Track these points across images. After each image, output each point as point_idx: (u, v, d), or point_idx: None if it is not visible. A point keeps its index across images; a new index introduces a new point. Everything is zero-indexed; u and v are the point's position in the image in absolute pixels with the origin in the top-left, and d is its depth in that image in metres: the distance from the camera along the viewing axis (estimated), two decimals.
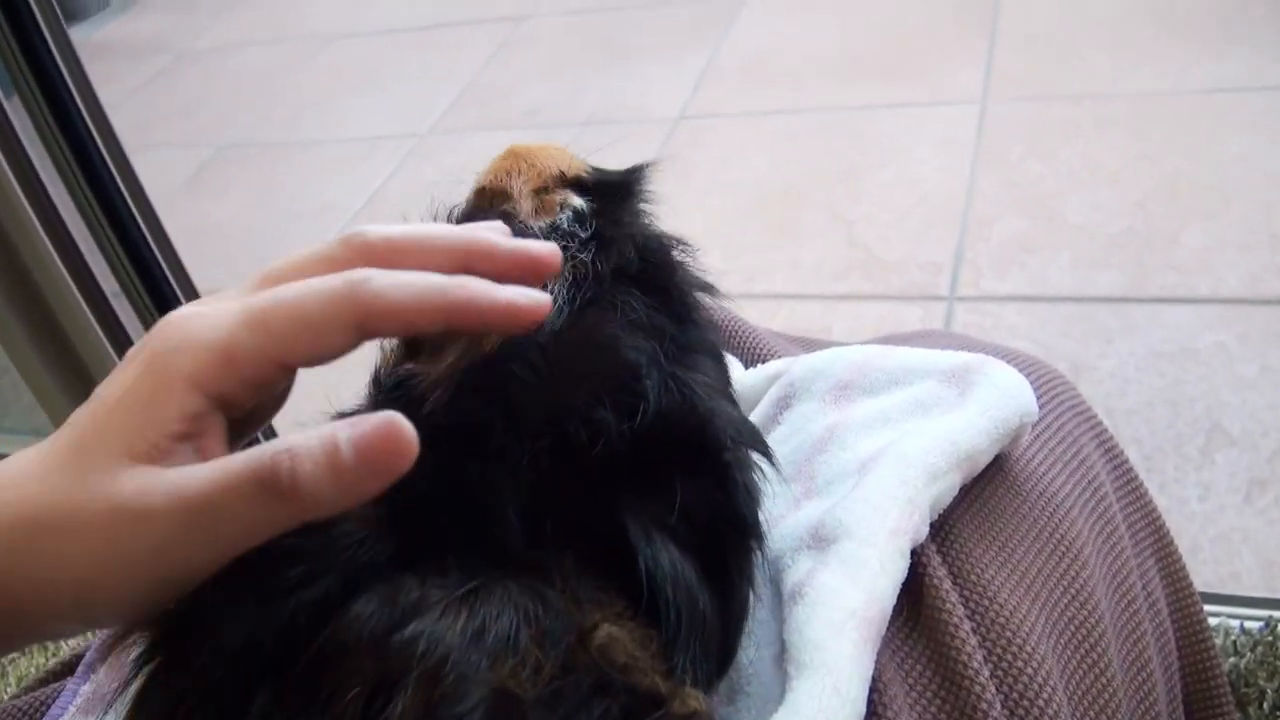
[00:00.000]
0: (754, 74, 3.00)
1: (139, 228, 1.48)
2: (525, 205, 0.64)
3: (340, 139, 3.21)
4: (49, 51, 1.37)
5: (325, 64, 3.74)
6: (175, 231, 1.52)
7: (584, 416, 0.47)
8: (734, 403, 0.61)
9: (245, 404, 0.44)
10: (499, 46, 3.50)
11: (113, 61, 4.11)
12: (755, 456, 0.54)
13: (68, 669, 0.70)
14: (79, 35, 4.34)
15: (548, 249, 0.46)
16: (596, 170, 0.68)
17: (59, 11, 1.39)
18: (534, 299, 0.44)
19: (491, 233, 0.47)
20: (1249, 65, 2.45)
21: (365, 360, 0.58)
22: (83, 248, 1.46)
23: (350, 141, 3.17)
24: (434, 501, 0.45)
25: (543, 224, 0.62)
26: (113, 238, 1.48)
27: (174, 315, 0.43)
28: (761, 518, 0.53)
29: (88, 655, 0.69)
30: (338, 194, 2.90)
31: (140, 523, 0.40)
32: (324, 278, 0.43)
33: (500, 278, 0.45)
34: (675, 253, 0.64)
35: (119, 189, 1.45)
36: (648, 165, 0.70)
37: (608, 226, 0.61)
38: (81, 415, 0.43)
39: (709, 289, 0.65)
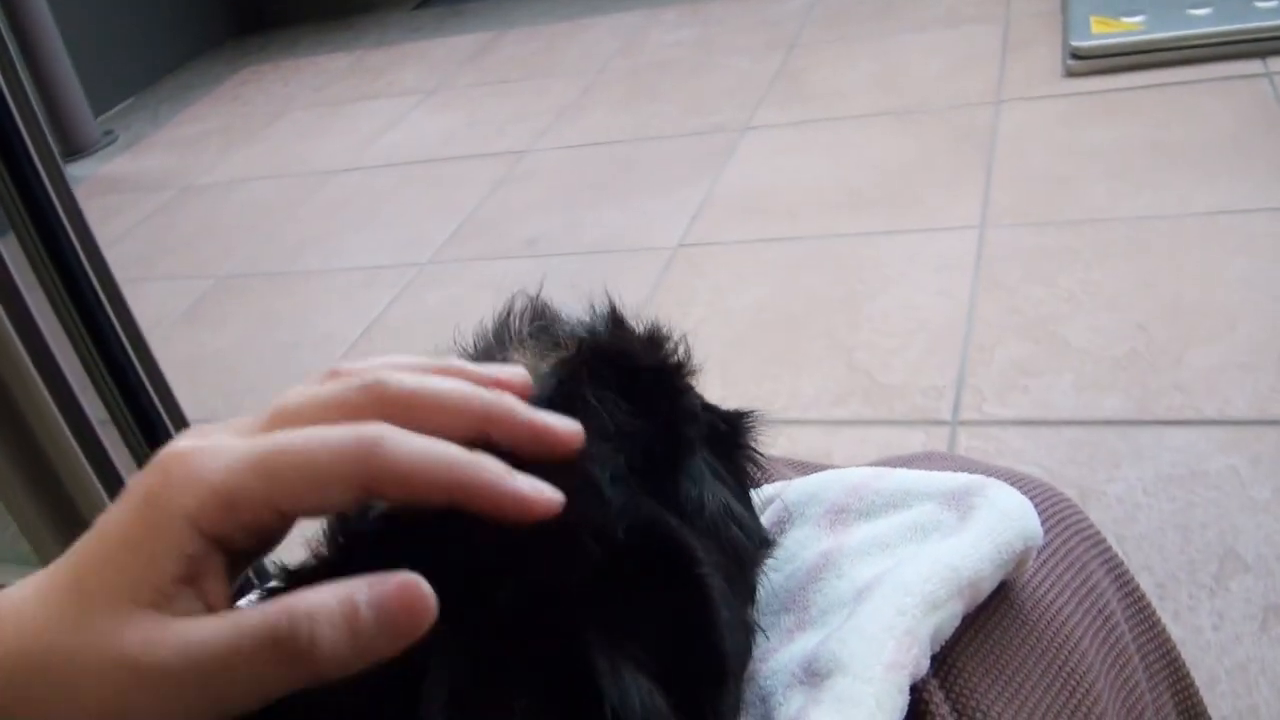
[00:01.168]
0: (752, 205, 3.02)
1: (129, 357, 1.48)
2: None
3: (340, 269, 3.23)
4: (43, 186, 1.37)
5: (326, 198, 3.78)
6: (173, 360, 1.51)
7: (547, 549, 0.45)
8: (736, 518, 0.57)
9: (243, 546, 0.42)
10: (499, 180, 3.54)
11: (118, 195, 4.16)
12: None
13: None
14: (85, 170, 4.41)
15: (567, 426, 0.45)
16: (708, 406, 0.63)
17: (55, 149, 1.39)
18: (545, 497, 0.42)
19: (511, 397, 0.45)
20: (1249, 187, 2.47)
21: None
22: (70, 377, 1.45)
23: (350, 271, 3.19)
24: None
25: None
26: (102, 367, 1.48)
27: (178, 448, 0.41)
28: (734, 649, 0.50)
29: None
30: (337, 323, 2.90)
31: (146, 678, 0.38)
32: (337, 430, 0.41)
33: (515, 448, 0.44)
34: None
35: (109, 320, 1.45)
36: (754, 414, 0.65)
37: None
38: (82, 548, 0.41)
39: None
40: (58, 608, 0.40)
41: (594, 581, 0.45)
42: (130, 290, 1.45)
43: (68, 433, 1.46)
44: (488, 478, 0.42)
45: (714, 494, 0.54)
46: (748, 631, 0.53)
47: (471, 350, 0.59)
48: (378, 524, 0.47)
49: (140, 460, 1.53)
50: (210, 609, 0.41)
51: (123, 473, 1.51)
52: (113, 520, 0.41)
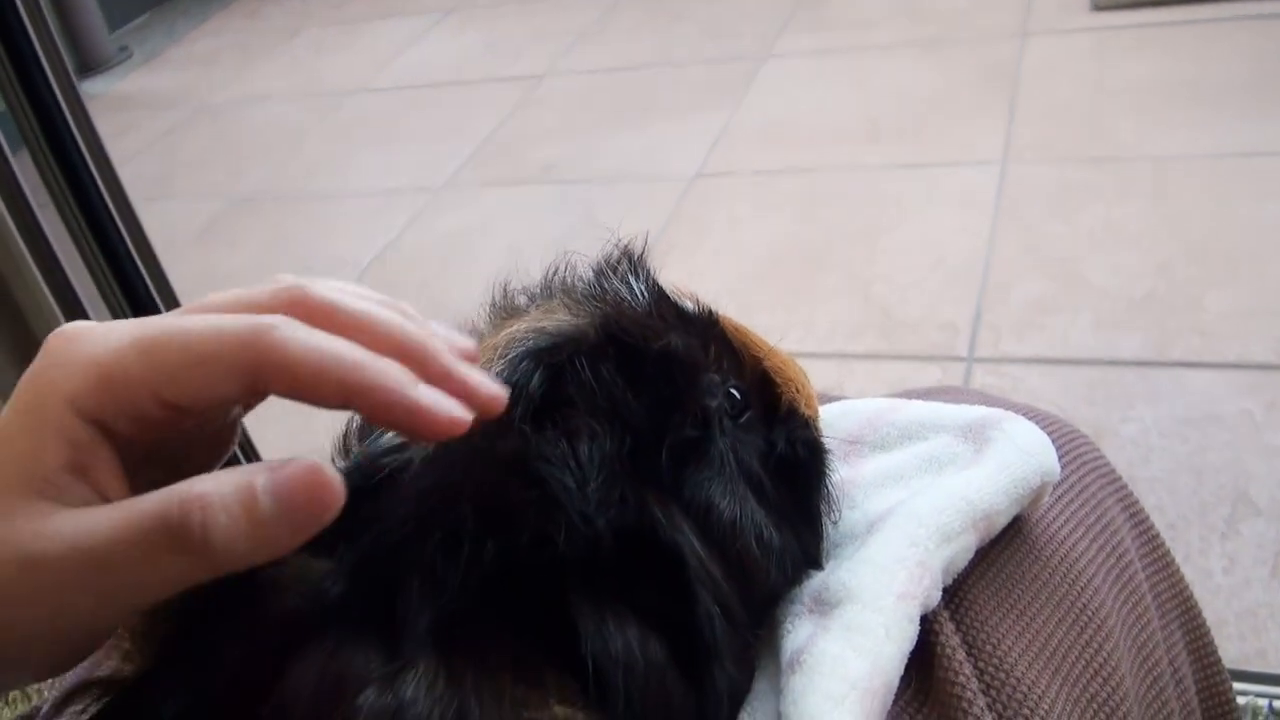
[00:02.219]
0: (771, 135, 2.98)
1: (141, 275, 1.47)
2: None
3: (353, 193, 3.21)
4: (57, 104, 1.36)
5: (341, 119, 3.75)
6: (185, 281, 1.51)
7: (516, 523, 0.43)
8: (756, 529, 0.53)
9: (129, 435, 0.39)
10: (516, 104, 3.51)
11: (132, 113, 4.13)
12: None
13: None
14: (100, 86, 4.38)
15: (491, 388, 0.40)
16: (809, 426, 0.59)
17: (68, 64, 1.38)
18: (451, 414, 0.38)
19: (440, 342, 0.41)
20: (1275, 131, 2.42)
21: None
22: (82, 295, 1.45)
23: (363, 195, 3.17)
24: (380, 563, 0.41)
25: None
26: (115, 285, 1.47)
27: (64, 330, 0.39)
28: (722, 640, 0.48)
29: (44, 709, 0.65)
30: (349, 247, 2.89)
31: (34, 568, 0.36)
32: (231, 316, 0.38)
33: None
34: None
35: (122, 238, 1.44)
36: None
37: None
38: None
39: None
40: None
41: (577, 559, 0.43)
42: (144, 209, 1.44)
43: None
44: (388, 383, 0.38)
45: (728, 495, 0.51)
46: (746, 657, 0.51)
47: (505, 309, 0.56)
48: (357, 478, 0.45)
49: None
50: (105, 502, 0.38)
51: None
52: (6, 408, 0.39)
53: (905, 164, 2.68)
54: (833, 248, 2.41)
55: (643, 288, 0.54)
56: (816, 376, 0.58)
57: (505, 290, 0.56)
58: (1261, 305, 1.94)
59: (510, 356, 0.47)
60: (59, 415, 0.38)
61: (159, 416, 0.39)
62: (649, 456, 0.48)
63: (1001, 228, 2.31)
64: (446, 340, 0.42)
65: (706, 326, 0.55)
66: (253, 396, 0.39)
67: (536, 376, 0.47)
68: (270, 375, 0.38)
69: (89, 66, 4.58)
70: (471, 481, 0.44)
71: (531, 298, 0.55)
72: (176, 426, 0.40)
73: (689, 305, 0.56)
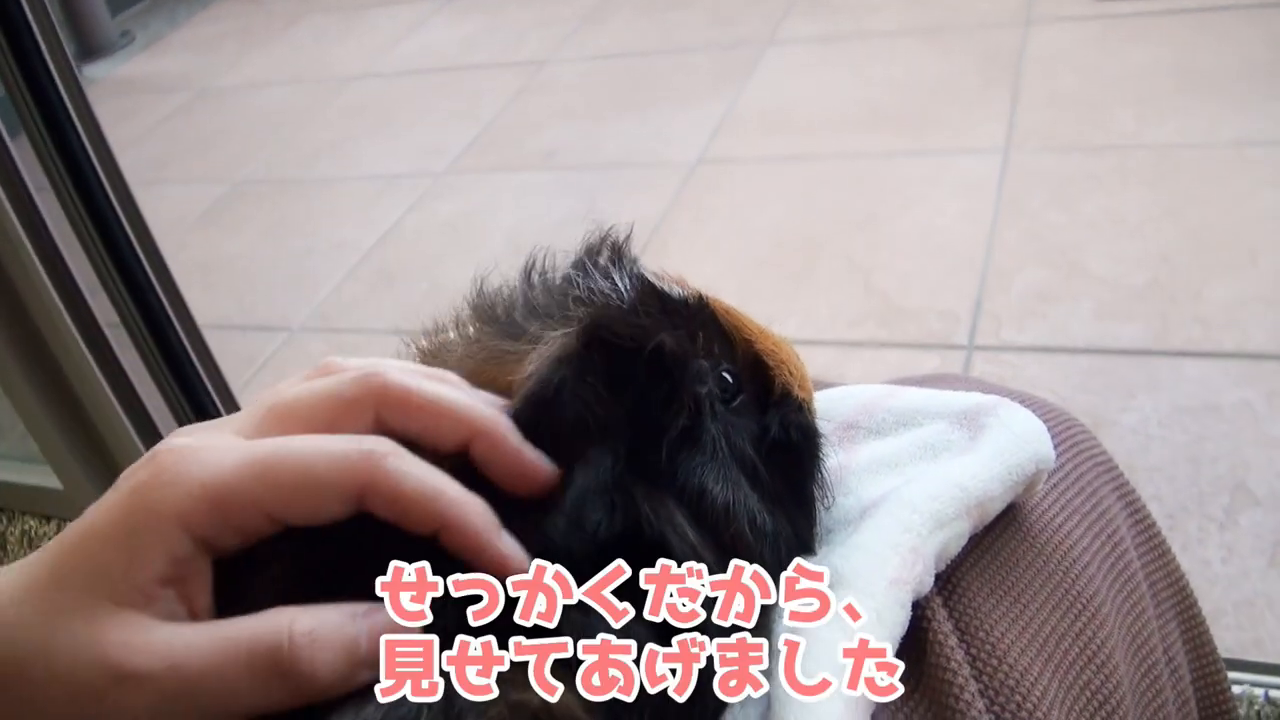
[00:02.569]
0: (773, 122, 2.98)
1: (139, 260, 1.47)
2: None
3: (356, 177, 3.20)
4: (56, 89, 1.36)
5: (344, 104, 3.74)
6: (187, 265, 1.51)
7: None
8: (749, 513, 0.52)
9: (230, 548, 0.41)
10: (517, 90, 3.50)
11: (134, 97, 4.13)
12: None
13: None
14: (101, 71, 4.38)
15: (545, 469, 0.44)
16: (805, 410, 0.58)
17: (70, 49, 1.38)
18: (519, 562, 0.41)
19: (506, 420, 0.44)
20: (1277, 120, 2.42)
21: None
22: (80, 279, 1.45)
23: (366, 180, 3.16)
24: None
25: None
26: (112, 269, 1.47)
27: (173, 444, 0.41)
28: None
29: None
30: (351, 232, 2.88)
31: (125, 682, 0.37)
32: (339, 440, 0.41)
33: (492, 472, 0.44)
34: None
35: (120, 222, 1.44)
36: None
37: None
38: (65, 539, 0.40)
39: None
40: (32, 604, 0.39)
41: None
42: (145, 193, 1.44)
43: (76, 335, 1.46)
44: (476, 524, 0.41)
45: (721, 480, 0.50)
46: None
47: (484, 310, 0.56)
48: None
49: (149, 365, 1.53)
50: (192, 614, 0.40)
51: (131, 376, 1.52)
52: (100, 513, 0.40)
53: (907, 151, 2.68)
54: (834, 235, 2.40)
55: (626, 280, 0.53)
56: (816, 364, 0.58)
57: (482, 288, 0.56)
58: (1261, 295, 1.93)
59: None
60: (168, 532, 0.39)
61: (266, 531, 0.41)
62: (645, 454, 0.48)
63: (1003, 216, 2.31)
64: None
65: (695, 312, 0.54)
66: (351, 514, 0.41)
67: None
68: (376, 500, 0.40)
69: (91, 51, 4.57)
70: None
71: (510, 304, 0.54)
72: (268, 533, 0.42)
73: (676, 291, 0.55)
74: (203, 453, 0.40)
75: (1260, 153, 2.33)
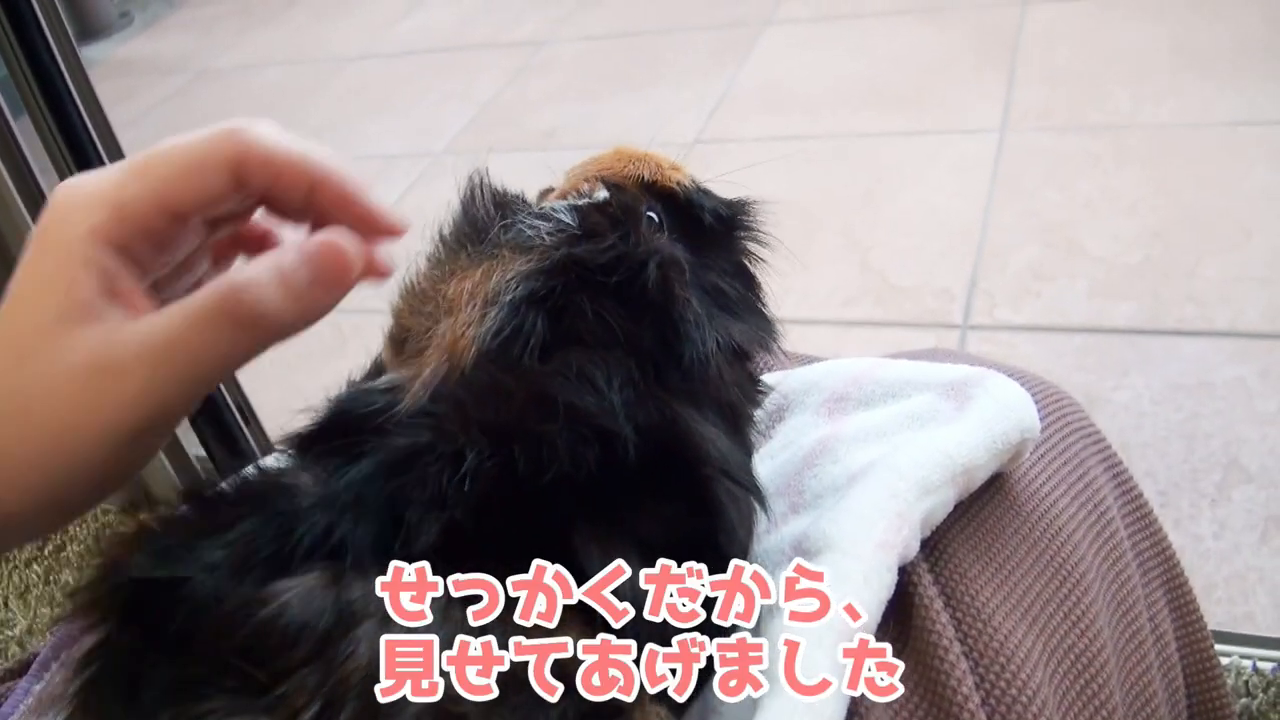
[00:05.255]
0: (771, 101, 2.98)
1: None
2: (561, 187, 0.63)
3: (354, 158, 3.20)
4: (58, 70, 1.37)
5: (343, 85, 3.74)
6: None
7: (532, 441, 0.45)
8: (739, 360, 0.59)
9: (153, 263, 0.45)
10: (517, 70, 3.50)
11: (134, 78, 4.12)
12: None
13: (21, 669, 0.68)
14: (102, 52, 4.36)
15: (397, 218, 0.48)
16: (702, 192, 0.64)
17: (70, 30, 1.38)
18: (389, 216, 0.47)
19: (344, 169, 0.47)
20: (1272, 99, 2.42)
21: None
22: None
23: (365, 160, 3.16)
24: (369, 501, 0.44)
25: (542, 207, 0.59)
26: None
27: (59, 186, 0.44)
28: (745, 545, 0.51)
29: (41, 654, 0.66)
30: None
31: (111, 376, 0.41)
32: (202, 130, 0.44)
33: (340, 221, 0.46)
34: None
35: None
36: (752, 202, 0.69)
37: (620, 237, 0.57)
38: (5, 305, 0.44)
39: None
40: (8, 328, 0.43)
41: (591, 482, 0.45)
42: None
43: None
44: (345, 179, 0.46)
45: (712, 336, 0.54)
46: (750, 500, 0.53)
47: (444, 239, 0.59)
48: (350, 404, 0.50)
49: None
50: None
51: None
52: (23, 265, 0.43)
53: (904, 131, 2.68)
54: (830, 214, 2.40)
55: (552, 212, 0.58)
56: (812, 343, 0.60)
57: (441, 238, 0.59)
58: (1255, 273, 1.94)
59: (507, 301, 0.49)
60: (85, 248, 0.42)
61: (165, 230, 0.44)
62: (665, 372, 0.52)
63: (998, 195, 2.31)
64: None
65: (602, 206, 0.59)
66: (237, 195, 0.45)
67: (539, 320, 0.51)
68: (252, 169, 0.44)
69: (90, 32, 4.56)
70: (485, 411, 0.47)
71: (455, 246, 0.57)
72: (178, 241, 0.45)
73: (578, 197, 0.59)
74: (87, 180, 0.44)
75: (1256, 132, 2.34)
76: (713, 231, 0.61)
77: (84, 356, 0.41)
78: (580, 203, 0.59)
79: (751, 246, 0.64)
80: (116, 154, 1.44)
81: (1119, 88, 2.61)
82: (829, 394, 0.66)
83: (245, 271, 0.42)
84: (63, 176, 1.43)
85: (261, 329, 0.42)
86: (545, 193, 0.65)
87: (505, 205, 0.59)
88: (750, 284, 0.61)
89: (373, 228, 0.46)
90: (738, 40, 3.34)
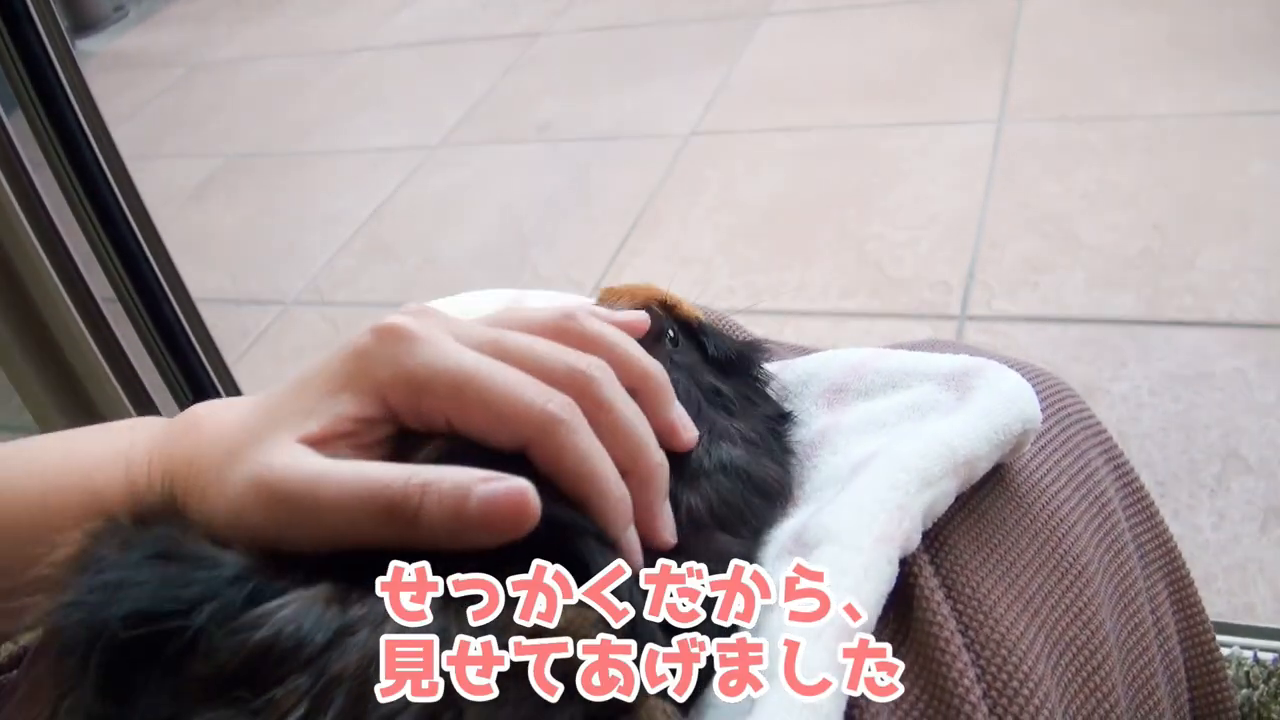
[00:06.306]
0: (768, 93, 2.97)
1: (134, 234, 1.47)
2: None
3: (350, 150, 3.20)
4: (51, 64, 1.36)
5: (338, 78, 3.73)
6: (181, 238, 1.51)
7: None
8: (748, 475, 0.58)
9: (410, 425, 0.46)
10: (512, 62, 3.49)
11: (128, 71, 4.12)
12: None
13: (13, 663, 0.67)
14: (96, 45, 4.36)
15: (691, 433, 0.53)
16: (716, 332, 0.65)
17: (62, 24, 1.37)
18: (634, 558, 0.46)
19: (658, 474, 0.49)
20: (1270, 90, 2.42)
21: None
22: (75, 254, 1.45)
23: (360, 153, 3.16)
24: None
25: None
26: (107, 244, 1.47)
27: (401, 323, 0.46)
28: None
29: (31, 651, 0.66)
30: (345, 204, 2.88)
31: (269, 495, 0.42)
32: (534, 390, 0.45)
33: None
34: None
35: (116, 197, 1.44)
36: (766, 347, 0.70)
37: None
38: (290, 381, 0.48)
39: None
40: (243, 429, 0.46)
41: None
42: (140, 167, 1.44)
43: (72, 309, 1.46)
44: (610, 516, 0.46)
45: (714, 452, 0.55)
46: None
47: None
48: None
49: (143, 338, 1.53)
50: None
51: (126, 349, 1.52)
52: (323, 362, 0.47)
53: (901, 122, 2.67)
54: (827, 206, 2.40)
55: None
56: (809, 334, 0.61)
57: None
58: (1254, 264, 1.94)
59: None
60: (363, 393, 0.45)
61: (444, 429, 0.46)
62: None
63: (996, 186, 2.31)
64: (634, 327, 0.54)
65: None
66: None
67: None
68: (536, 454, 0.45)
69: (85, 25, 4.56)
70: None
71: None
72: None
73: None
74: (422, 343, 0.45)
75: (1254, 122, 2.34)
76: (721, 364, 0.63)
77: (273, 470, 0.43)
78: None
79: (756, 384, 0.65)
80: (110, 149, 1.43)
81: (1117, 78, 2.60)
82: (827, 384, 0.66)
83: (429, 473, 0.42)
84: (56, 172, 1.42)
85: (411, 534, 0.41)
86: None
87: None
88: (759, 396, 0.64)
89: (647, 532, 0.48)
90: (734, 32, 3.33)
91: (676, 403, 0.52)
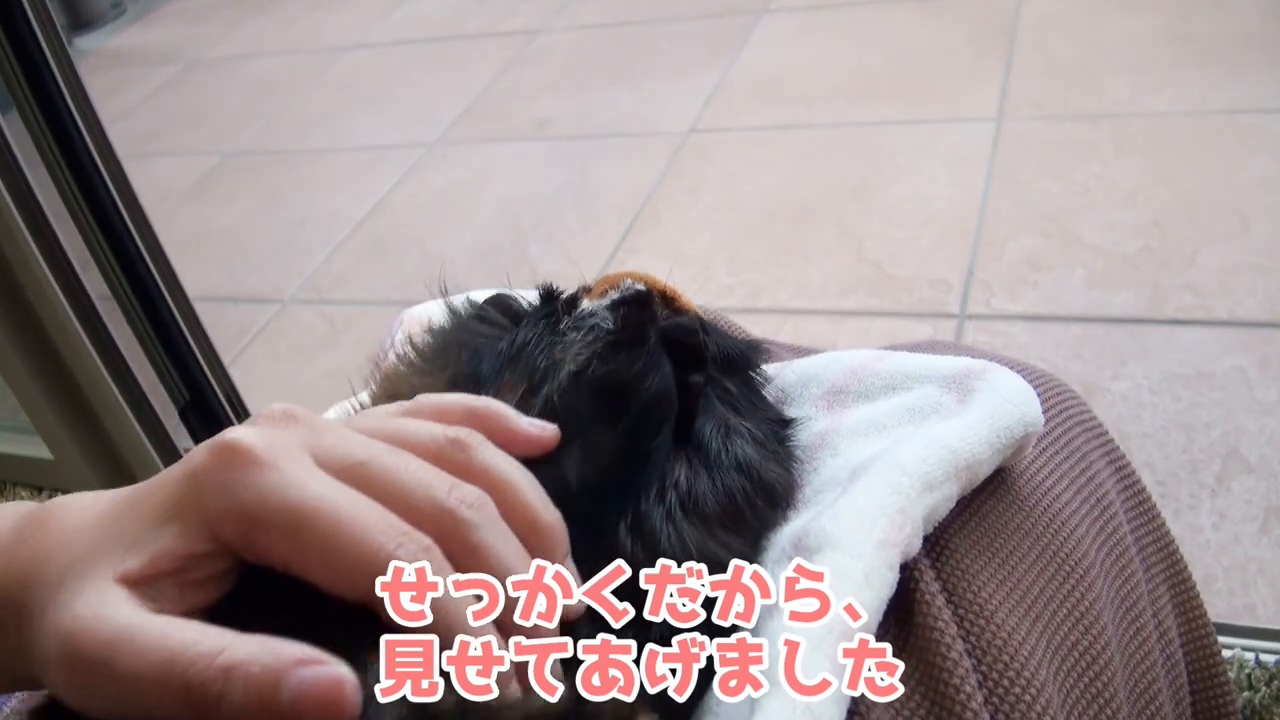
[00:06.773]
0: (766, 91, 2.97)
1: (129, 233, 1.47)
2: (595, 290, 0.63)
3: (347, 148, 3.19)
4: (46, 63, 1.36)
5: (335, 75, 3.73)
6: (178, 237, 1.51)
7: None
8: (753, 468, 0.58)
9: (247, 560, 0.40)
10: (510, 60, 3.49)
11: (125, 69, 4.11)
12: None
13: None
14: (93, 43, 4.35)
15: (546, 430, 0.48)
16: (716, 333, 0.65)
17: (58, 22, 1.37)
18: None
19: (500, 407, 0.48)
20: (1270, 88, 2.41)
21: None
22: (71, 252, 1.45)
23: (357, 150, 3.15)
24: None
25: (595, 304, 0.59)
26: (103, 242, 1.47)
27: (245, 443, 0.40)
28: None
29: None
30: (343, 202, 2.88)
31: (68, 655, 0.37)
32: (373, 536, 0.39)
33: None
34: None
35: (112, 195, 1.44)
36: (766, 348, 0.69)
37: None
38: (129, 493, 0.43)
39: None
40: (78, 544, 0.41)
41: None
42: (136, 166, 1.44)
43: (68, 307, 1.46)
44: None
45: (730, 446, 0.55)
46: None
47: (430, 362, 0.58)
48: None
49: (140, 337, 1.53)
50: (183, 605, 0.40)
51: (122, 348, 1.52)
52: (160, 480, 0.42)
53: (900, 120, 2.67)
54: (826, 204, 2.40)
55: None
56: (808, 333, 0.60)
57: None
58: (1254, 262, 1.93)
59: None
60: (192, 528, 0.40)
61: (281, 569, 0.40)
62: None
63: (995, 184, 2.30)
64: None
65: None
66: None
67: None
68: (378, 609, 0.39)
69: (83, 23, 4.55)
70: None
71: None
72: None
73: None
74: (260, 471, 0.40)
75: (1254, 120, 2.33)
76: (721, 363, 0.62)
77: (76, 624, 0.38)
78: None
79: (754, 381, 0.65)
80: (105, 148, 1.43)
81: (1117, 76, 2.60)
82: (827, 386, 0.65)
83: (243, 648, 0.36)
84: (51, 171, 1.42)
85: (211, 717, 0.36)
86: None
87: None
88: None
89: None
90: (733, 30, 3.32)
91: (570, 560, 0.45)
